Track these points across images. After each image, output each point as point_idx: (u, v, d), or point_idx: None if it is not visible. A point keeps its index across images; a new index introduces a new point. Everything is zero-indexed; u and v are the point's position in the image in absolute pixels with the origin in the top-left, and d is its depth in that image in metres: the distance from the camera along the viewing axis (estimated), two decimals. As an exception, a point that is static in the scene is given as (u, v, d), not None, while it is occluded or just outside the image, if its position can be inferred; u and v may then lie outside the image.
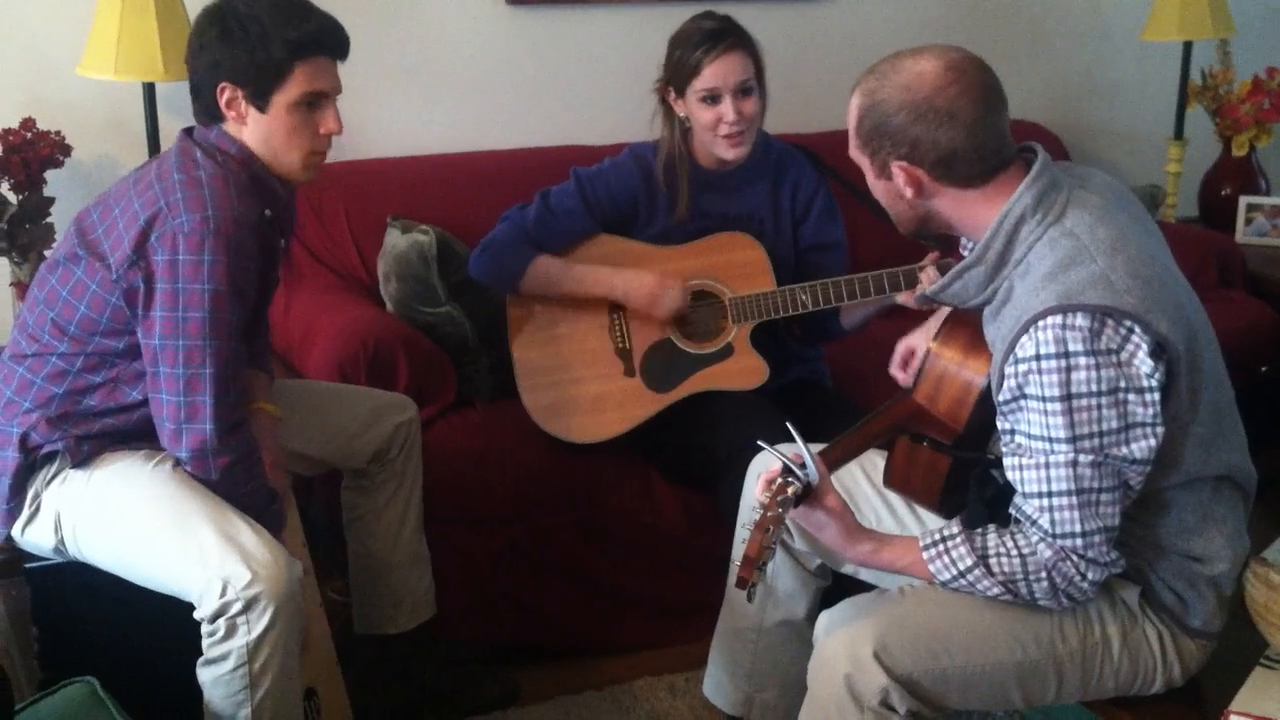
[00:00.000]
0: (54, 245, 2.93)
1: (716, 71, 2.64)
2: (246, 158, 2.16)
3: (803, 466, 1.83)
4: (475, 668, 2.76)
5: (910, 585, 1.93)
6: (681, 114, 2.75)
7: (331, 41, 2.16)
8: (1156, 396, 1.71)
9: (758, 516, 1.78)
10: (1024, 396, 1.74)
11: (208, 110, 2.16)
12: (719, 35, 2.66)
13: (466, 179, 3.34)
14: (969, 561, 1.81)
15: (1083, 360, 1.68)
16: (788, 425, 1.89)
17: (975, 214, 1.83)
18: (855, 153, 1.88)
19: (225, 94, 2.12)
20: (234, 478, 2.11)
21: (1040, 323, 1.71)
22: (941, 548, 1.83)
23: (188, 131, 2.21)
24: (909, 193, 1.84)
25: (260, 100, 2.12)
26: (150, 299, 2.06)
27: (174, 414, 2.07)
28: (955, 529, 1.84)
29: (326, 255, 3.20)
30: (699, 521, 2.84)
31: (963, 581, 1.83)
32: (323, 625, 2.38)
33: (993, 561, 1.79)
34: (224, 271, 2.04)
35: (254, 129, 2.15)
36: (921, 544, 1.86)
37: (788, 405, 2.72)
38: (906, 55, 1.81)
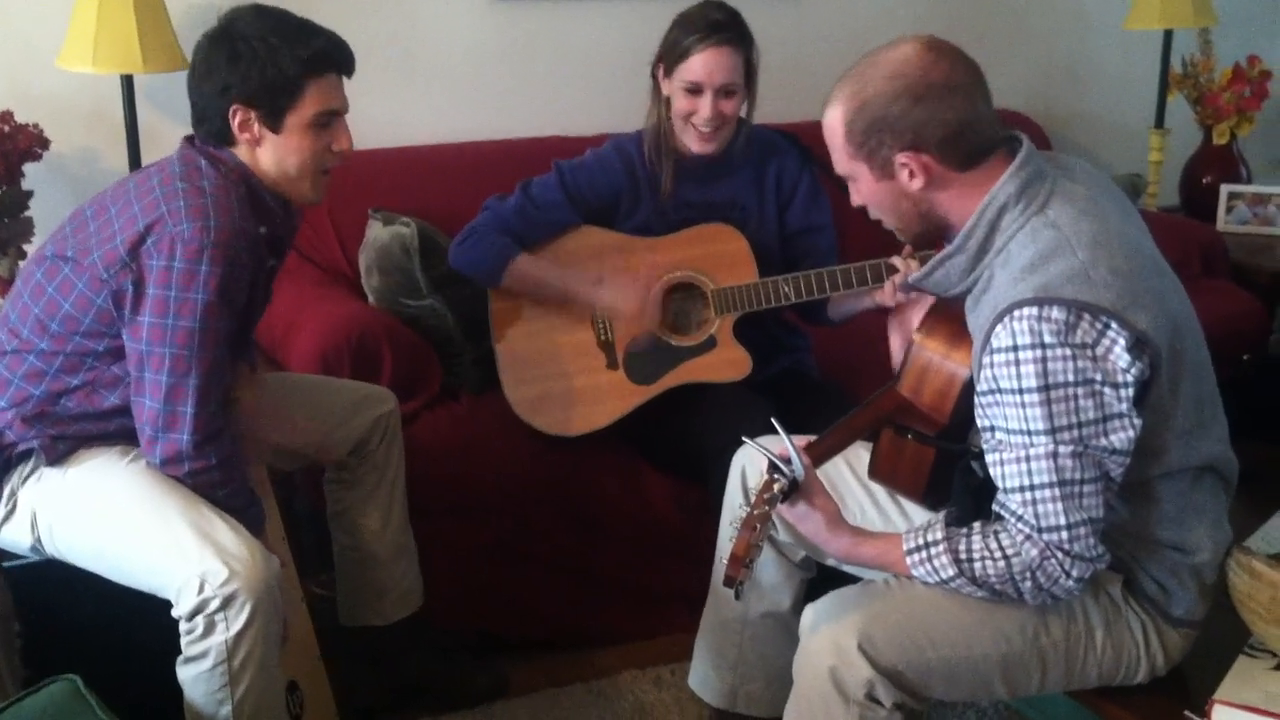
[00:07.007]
0: (33, 239, 2.92)
1: (704, 64, 2.62)
2: (246, 174, 2.15)
3: (788, 462, 1.83)
4: (462, 659, 2.75)
5: (895, 577, 1.92)
6: (666, 93, 2.73)
7: (340, 58, 2.16)
8: (1130, 391, 1.70)
9: (744, 514, 1.77)
10: (999, 390, 1.73)
11: (218, 134, 2.14)
12: (718, 28, 2.63)
13: (449, 170, 3.33)
14: (950, 571, 1.80)
15: (1058, 351, 1.68)
16: (773, 421, 1.88)
17: (964, 201, 1.81)
18: (847, 164, 1.85)
19: (238, 116, 2.11)
20: (207, 480, 2.09)
21: (1015, 313, 1.70)
22: (924, 554, 1.83)
23: (190, 140, 2.19)
24: (917, 184, 1.80)
25: (274, 121, 2.11)
26: (139, 303, 2.04)
27: (153, 420, 2.06)
28: (939, 534, 1.83)
29: (308, 248, 3.18)
30: (687, 511, 2.83)
31: (946, 587, 1.83)
32: (304, 618, 2.37)
33: (977, 566, 1.79)
34: (218, 283, 2.03)
35: (268, 150, 2.14)
36: (904, 546, 1.85)
37: (774, 397, 2.71)
38: (880, 50, 1.80)
